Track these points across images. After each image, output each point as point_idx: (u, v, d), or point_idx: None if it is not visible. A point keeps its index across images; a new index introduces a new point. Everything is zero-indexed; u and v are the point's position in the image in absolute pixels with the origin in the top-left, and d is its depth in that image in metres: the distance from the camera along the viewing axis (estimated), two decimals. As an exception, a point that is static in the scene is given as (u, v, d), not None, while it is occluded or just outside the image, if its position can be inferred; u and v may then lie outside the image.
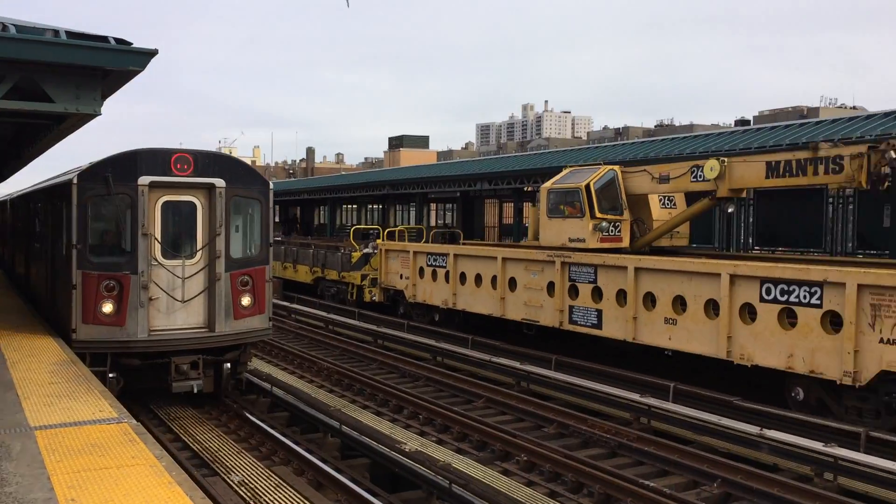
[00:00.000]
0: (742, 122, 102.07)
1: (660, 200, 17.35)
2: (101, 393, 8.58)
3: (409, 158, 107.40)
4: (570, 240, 16.53)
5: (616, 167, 16.97)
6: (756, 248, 22.39)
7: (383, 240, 25.18)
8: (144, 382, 12.32)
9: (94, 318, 11.53)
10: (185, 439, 11.43)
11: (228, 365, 12.66)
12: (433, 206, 48.53)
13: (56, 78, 7.52)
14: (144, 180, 11.75)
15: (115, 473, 6.02)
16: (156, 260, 11.96)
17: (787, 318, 12.08)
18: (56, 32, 7.37)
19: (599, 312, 15.44)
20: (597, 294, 15.52)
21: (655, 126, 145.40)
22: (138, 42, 7.98)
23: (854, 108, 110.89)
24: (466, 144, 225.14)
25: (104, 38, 7.80)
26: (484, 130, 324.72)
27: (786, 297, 12.02)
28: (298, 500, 8.85)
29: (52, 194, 13.90)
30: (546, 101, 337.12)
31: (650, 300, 14.41)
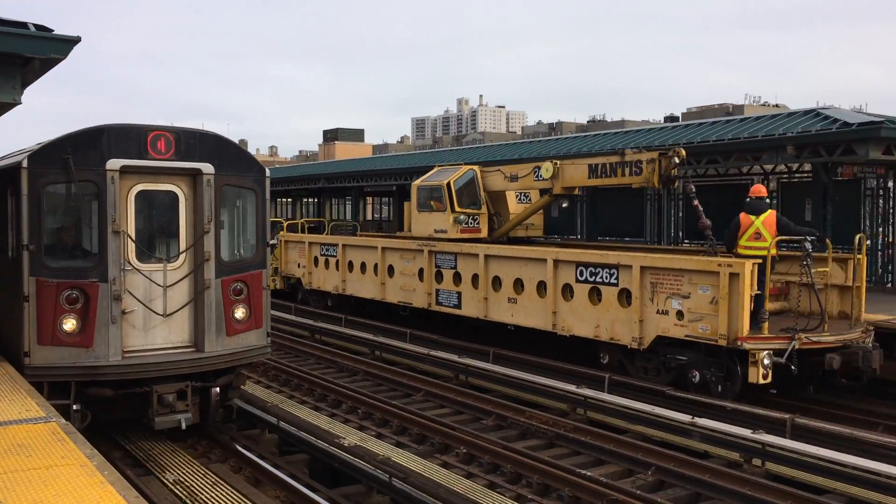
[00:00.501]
0: (671, 118, 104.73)
1: (517, 196, 19.37)
2: (27, 392, 8.26)
3: (345, 152, 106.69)
4: (436, 231, 18.44)
5: (476, 167, 18.87)
6: (686, 241, 23.10)
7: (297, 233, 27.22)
8: (117, 414, 10.30)
9: (52, 339, 9.33)
10: (117, 438, 11.09)
11: (217, 389, 10.54)
12: (369, 199, 48.29)
13: (-27, 64, 7.18)
14: (114, 164, 9.59)
15: (44, 474, 5.80)
16: (130, 264, 9.87)
17: (595, 295, 14.24)
18: (-29, 17, 7.04)
19: (459, 294, 17.44)
20: (457, 279, 17.49)
21: (588, 122, 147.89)
22: (60, 29, 7.71)
23: (777, 105, 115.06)
24: (402, 138, 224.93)
25: (23, 24, 7.51)
26: (419, 124, 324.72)
27: (594, 277, 14.28)
28: (236, 498, 8.71)
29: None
30: (481, 96, 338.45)
31: (497, 283, 16.42)
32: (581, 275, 14.46)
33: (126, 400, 9.96)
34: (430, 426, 11.75)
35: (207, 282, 10.19)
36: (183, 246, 10.28)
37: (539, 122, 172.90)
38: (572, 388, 13.08)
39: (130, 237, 9.89)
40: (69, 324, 9.40)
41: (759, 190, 13.22)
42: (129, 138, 9.77)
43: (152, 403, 9.82)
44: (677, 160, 14.05)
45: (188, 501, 8.69)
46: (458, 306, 17.46)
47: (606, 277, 13.97)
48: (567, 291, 14.77)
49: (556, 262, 14.93)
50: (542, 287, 15.23)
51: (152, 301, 10.06)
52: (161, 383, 9.86)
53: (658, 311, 13.04)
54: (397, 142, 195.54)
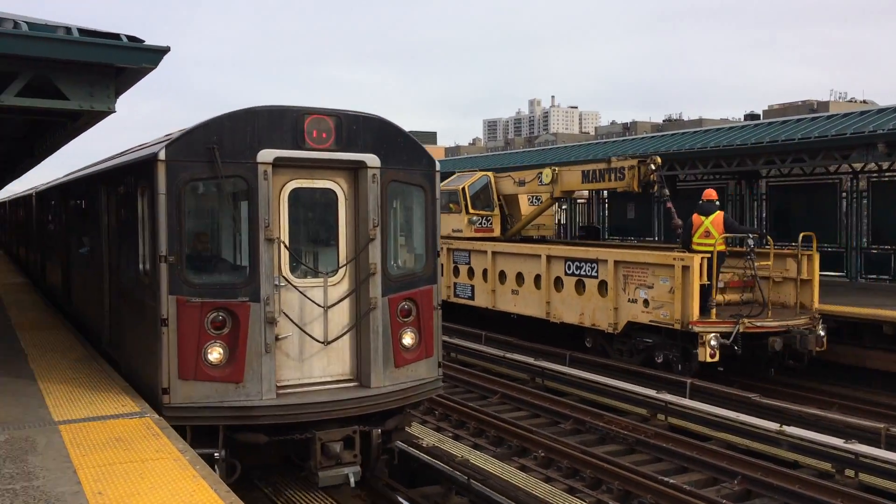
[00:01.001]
0: (752, 116, 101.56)
1: (528, 199, 21.25)
2: (122, 388, 8.59)
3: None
4: (453, 230, 20.50)
5: (490, 173, 21.05)
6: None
7: None
8: (264, 458, 8.49)
9: (196, 372, 7.69)
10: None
11: (379, 431, 8.51)
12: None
13: (69, 75, 7.51)
14: (267, 155, 7.89)
15: (139, 467, 6.02)
16: (285, 279, 8.21)
17: (581, 287, 16.17)
18: (68, 30, 7.36)
19: (473, 287, 19.65)
20: (471, 273, 19.72)
21: (664, 121, 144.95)
22: (141, 36, 7.99)
23: (864, 101, 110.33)
24: (474, 140, 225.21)
25: (116, 36, 7.80)
26: (491, 126, 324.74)
27: (579, 271, 16.17)
28: (320, 499, 8.82)
29: (116, 180, 9.85)
30: (553, 97, 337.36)
31: (503, 277, 18.52)
32: (569, 269, 16.43)
33: (279, 446, 8.15)
34: (507, 429, 11.71)
35: (373, 301, 8.39)
36: (344, 257, 8.53)
37: (612, 123, 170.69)
38: (652, 392, 12.83)
39: (286, 245, 8.20)
40: (215, 353, 7.77)
41: (709, 194, 14.63)
42: (283, 123, 8.02)
43: (315, 453, 7.95)
44: (653, 167, 15.87)
45: (274, 499, 8.82)
46: (472, 298, 19.69)
47: (589, 270, 15.89)
48: (558, 283, 16.79)
49: (549, 258, 17.01)
50: (538, 280, 17.28)
51: (310, 325, 8.36)
52: (324, 428, 8.02)
53: (629, 300, 14.87)
54: (469, 144, 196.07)
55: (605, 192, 27.87)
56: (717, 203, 14.72)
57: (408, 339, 8.71)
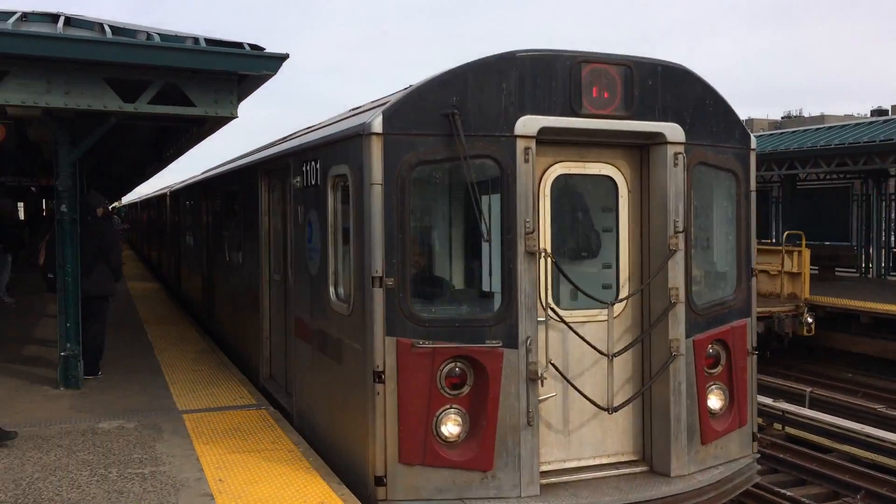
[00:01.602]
0: (879, 112, 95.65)
1: None
2: (240, 380, 9.00)
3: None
4: None
5: None
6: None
7: None
8: None
9: (426, 453, 5.37)
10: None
11: None
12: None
13: (196, 83, 7.90)
14: (530, 125, 5.52)
15: (256, 457, 6.29)
16: (552, 309, 5.69)
17: None
18: (196, 40, 7.76)
19: None
20: None
21: (783, 118, 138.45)
22: (255, 42, 8.31)
23: None
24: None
25: (239, 45, 8.17)
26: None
27: None
28: None
29: (284, 169, 7.62)
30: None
31: None
32: None
33: None
34: None
35: (674, 344, 5.90)
36: (625, 277, 6.06)
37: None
38: (769, 401, 12.31)
39: (554, 261, 5.69)
40: (452, 425, 5.45)
41: None
42: (551, 76, 5.57)
43: None
44: None
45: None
46: None
47: None
48: None
49: None
50: None
51: (579, 378, 5.88)
52: None
53: None
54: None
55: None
56: None
57: (716, 400, 6.20)
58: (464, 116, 5.36)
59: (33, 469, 6.01)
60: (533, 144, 5.51)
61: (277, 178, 8.23)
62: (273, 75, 8.37)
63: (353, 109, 6.89)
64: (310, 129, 7.81)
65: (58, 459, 6.22)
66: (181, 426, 7.15)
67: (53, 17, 7.73)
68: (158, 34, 7.53)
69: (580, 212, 6.36)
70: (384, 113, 5.36)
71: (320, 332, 6.51)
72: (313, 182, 6.61)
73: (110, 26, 7.47)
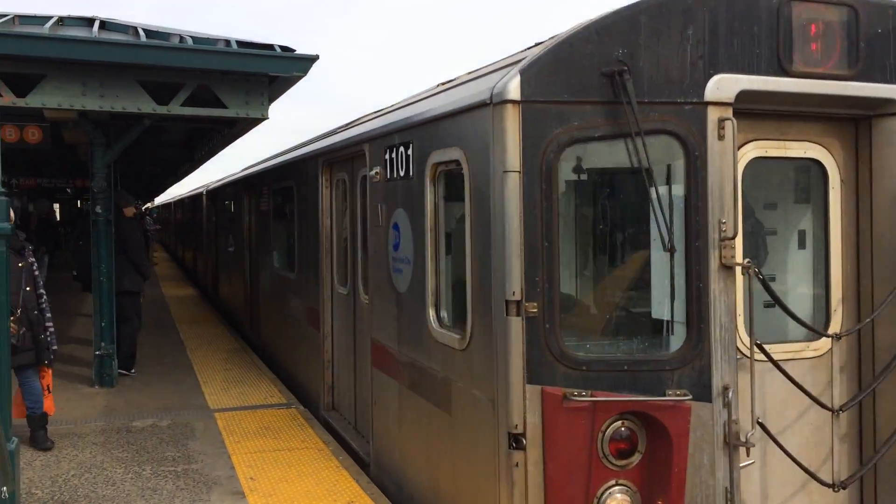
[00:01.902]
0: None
1: None
2: (271, 380, 9.08)
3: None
4: None
5: None
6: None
7: None
8: None
9: None
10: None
11: None
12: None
13: (228, 85, 7.99)
14: (726, 88, 4.07)
15: (287, 455, 6.34)
16: (745, 346, 4.18)
17: None
18: (227, 42, 7.84)
19: None
20: None
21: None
22: (287, 44, 8.35)
23: None
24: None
25: (270, 46, 8.23)
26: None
27: None
28: None
29: (357, 157, 6.44)
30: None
31: None
32: None
33: None
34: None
35: None
36: (837, 298, 4.60)
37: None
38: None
39: (761, 278, 4.10)
40: None
41: None
42: (752, 20, 4.17)
43: None
44: None
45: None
46: None
47: None
48: None
49: None
50: None
51: (782, 438, 4.29)
52: None
53: None
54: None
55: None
56: None
57: None
58: (634, 76, 3.91)
59: (69, 466, 6.12)
60: (730, 114, 4.02)
61: (344, 171, 6.97)
62: (303, 76, 8.41)
63: (444, 84, 5.52)
64: (380, 113, 6.50)
65: (93, 457, 6.32)
66: (213, 424, 7.23)
67: (89, 21, 7.86)
68: (191, 37, 7.62)
69: (772, 209, 4.85)
70: (522, 72, 3.87)
71: (413, 365, 5.14)
72: (401, 173, 5.25)
73: (144, 30, 7.58)
